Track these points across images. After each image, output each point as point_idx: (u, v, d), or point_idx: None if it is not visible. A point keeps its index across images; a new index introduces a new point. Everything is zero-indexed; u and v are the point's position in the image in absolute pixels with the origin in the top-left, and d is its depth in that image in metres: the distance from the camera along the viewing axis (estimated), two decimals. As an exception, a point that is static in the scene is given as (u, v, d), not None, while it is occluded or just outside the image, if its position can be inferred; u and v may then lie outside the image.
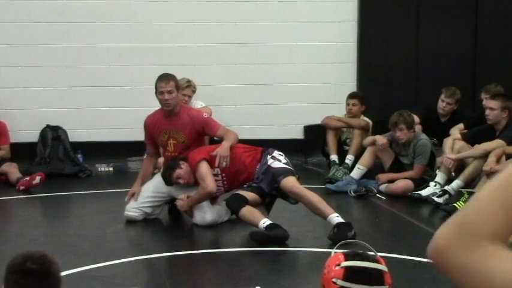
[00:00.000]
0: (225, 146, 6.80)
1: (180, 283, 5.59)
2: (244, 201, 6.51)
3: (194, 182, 6.86)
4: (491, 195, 1.23)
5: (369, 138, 8.61)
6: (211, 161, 6.80)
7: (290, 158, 7.35)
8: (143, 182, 7.19)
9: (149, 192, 7.11)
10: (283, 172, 6.62)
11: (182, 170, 6.84)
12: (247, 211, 6.45)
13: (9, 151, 9.25)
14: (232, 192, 6.81)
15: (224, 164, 6.76)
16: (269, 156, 6.78)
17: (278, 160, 6.76)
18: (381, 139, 8.35)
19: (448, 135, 8.54)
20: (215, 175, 6.81)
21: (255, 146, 7.05)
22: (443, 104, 8.98)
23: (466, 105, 10.11)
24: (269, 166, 6.70)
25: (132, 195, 7.07)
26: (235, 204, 6.54)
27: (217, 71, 10.06)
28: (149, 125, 7.19)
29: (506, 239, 1.22)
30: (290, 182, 6.56)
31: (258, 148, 6.96)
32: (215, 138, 7.50)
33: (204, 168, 6.75)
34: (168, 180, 6.94)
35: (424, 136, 8.34)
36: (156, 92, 7.04)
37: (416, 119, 8.63)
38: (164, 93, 6.92)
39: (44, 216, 8.09)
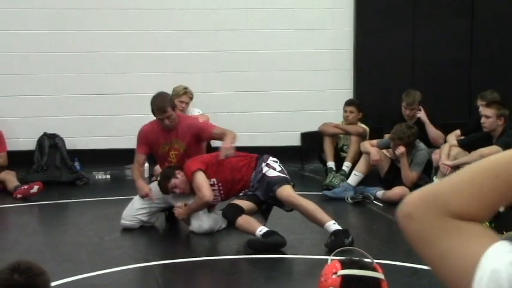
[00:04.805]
0: (229, 138, 6.77)
1: (177, 291, 5.59)
2: (240, 211, 6.51)
3: (190, 191, 6.87)
4: (472, 176, 1.21)
5: (366, 146, 8.61)
6: (207, 171, 6.81)
7: (287, 164, 7.35)
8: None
9: (147, 200, 7.11)
10: (279, 181, 6.61)
11: (178, 180, 6.85)
12: (243, 220, 6.45)
13: (7, 159, 9.25)
14: (229, 201, 6.82)
15: (230, 155, 6.73)
16: (264, 164, 6.78)
17: (273, 168, 6.75)
18: (374, 155, 8.39)
19: (421, 135, 8.58)
20: (211, 185, 6.82)
21: (249, 154, 7.05)
22: (407, 111, 9.06)
23: (463, 112, 10.14)
24: (264, 174, 6.70)
25: (147, 194, 7.01)
26: (231, 214, 6.54)
27: (214, 79, 10.07)
28: (147, 134, 7.17)
29: (475, 221, 1.19)
30: (286, 192, 6.55)
31: (253, 155, 6.95)
32: (214, 139, 7.41)
33: (200, 178, 6.75)
34: (163, 189, 6.95)
35: (422, 146, 8.38)
36: (153, 112, 7.08)
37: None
38: (164, 119, 6.99)
39: (41, 224, 8.09)
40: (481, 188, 1.19)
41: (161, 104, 7.02)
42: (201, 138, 7.16)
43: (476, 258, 1.15)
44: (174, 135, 7.06)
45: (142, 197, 7.04)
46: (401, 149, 8.19)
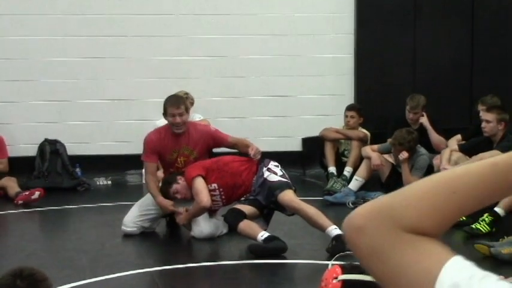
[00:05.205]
0: (254, 145, 6.93)
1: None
2: (242, 216, 6.51)
3: (191, 196, 6.87)
4: (428, 190, 1.15)
5: (367, 151, 8.61)
6: (206, 177, 6.81)
7: (288, 170, 7.35)
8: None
9: (148, 206, 7.10)
10: (280, 186, 6.61)
11: (179, 185, 6.85)
12: (245, 225, 6.45)
13: (8, 165, 9.25)
14: (231, 206, 6.82)
15: (258, 156, 6.83)
16: (265, 169, 6.78)
17: (274, 173, 6.75)
18: (375, 159, 8.40)
19: (422, 140, 8.59)
20: (212, 190, 6.82)
21: (250, 158, 7.04)
22: (411, 115, 9.08)
23: (464, 117, 10.14)
24: (265, 179, 6.70)
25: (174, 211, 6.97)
26: (233, 218, 6.54)
27: (215, 84, 10.07)
28: (155, 142, 7.07)
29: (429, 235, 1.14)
30: (287, 197, 6.55)
31: (254, 160, 6.95)
32: (228, 147, 7.34)
33: (198, 183, 6.75)
34: (165, 194, 6.94)
35: (423, 151, 8.40)
36: (164, 113, 7.03)
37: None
38: (176, 116, 6.94)
39: (42, 230, 8.09)
40: (436, 202, 1.14)
41: (176, 100, 7.07)
42: (213, 145, 7.14)
43: (432, 274, 1.09)
44: (184, 142, 7.03)
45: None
46: (404, 155, 8.20)
